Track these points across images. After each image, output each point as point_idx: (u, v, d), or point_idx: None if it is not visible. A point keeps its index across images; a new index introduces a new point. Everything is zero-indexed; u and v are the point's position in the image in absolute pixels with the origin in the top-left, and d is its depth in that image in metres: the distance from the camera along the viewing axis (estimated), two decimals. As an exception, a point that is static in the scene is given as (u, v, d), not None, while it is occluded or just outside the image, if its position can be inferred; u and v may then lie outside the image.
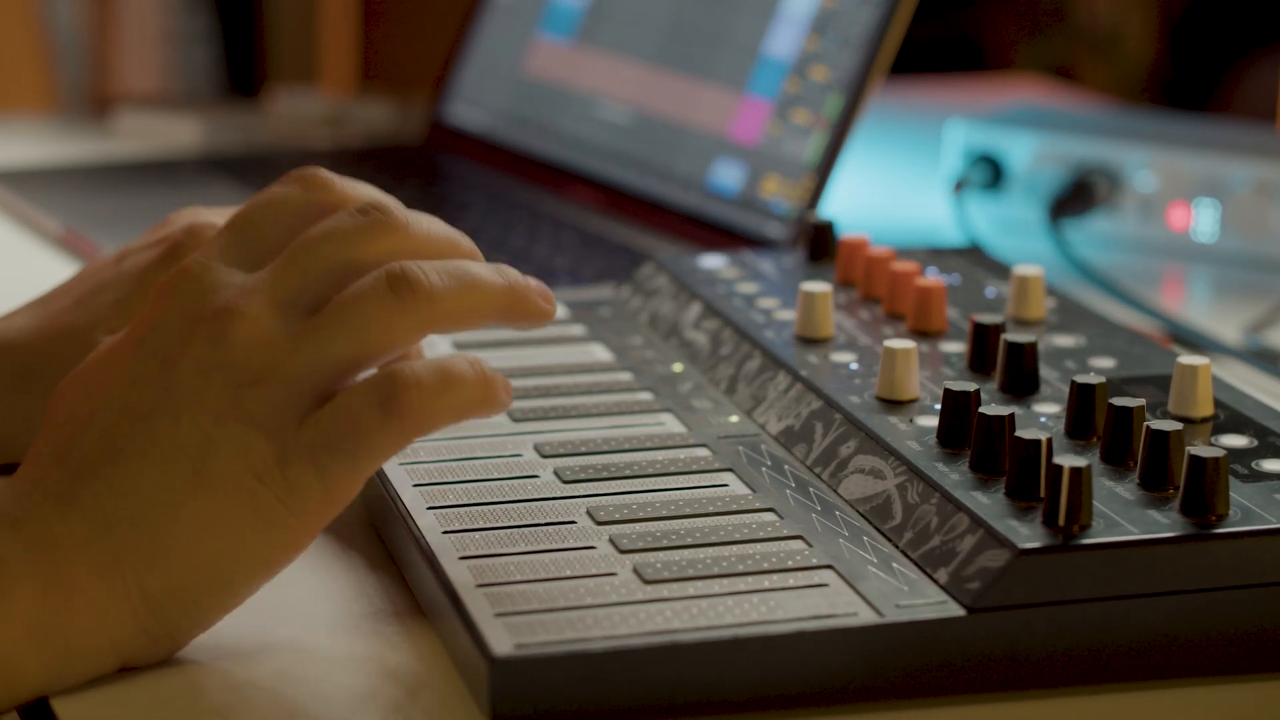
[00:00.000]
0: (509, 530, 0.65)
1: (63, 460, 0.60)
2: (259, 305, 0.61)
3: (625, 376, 0.79)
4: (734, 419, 0.74)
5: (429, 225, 0.64)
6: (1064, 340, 0.78)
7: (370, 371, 0.62)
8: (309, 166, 0.66)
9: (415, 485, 0.69)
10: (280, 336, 0.61)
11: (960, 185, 1.19)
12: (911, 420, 0.70)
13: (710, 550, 0.63)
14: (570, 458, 0.71)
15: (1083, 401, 0.68)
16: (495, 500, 0.67)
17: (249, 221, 0.65)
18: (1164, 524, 0.61)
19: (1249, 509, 0.62)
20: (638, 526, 0.65)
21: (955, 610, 0.59)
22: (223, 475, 0.59)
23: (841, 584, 0.61)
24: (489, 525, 0.65)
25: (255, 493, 0.60)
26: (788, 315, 0.81)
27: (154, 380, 0.61)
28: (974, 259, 0.90)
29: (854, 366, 0.75)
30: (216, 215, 0.77)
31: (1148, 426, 0.64)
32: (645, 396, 0.77)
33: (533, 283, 0.64)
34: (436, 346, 0.80)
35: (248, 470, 0.60)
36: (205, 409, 0.60)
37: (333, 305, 0.61)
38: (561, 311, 0.87)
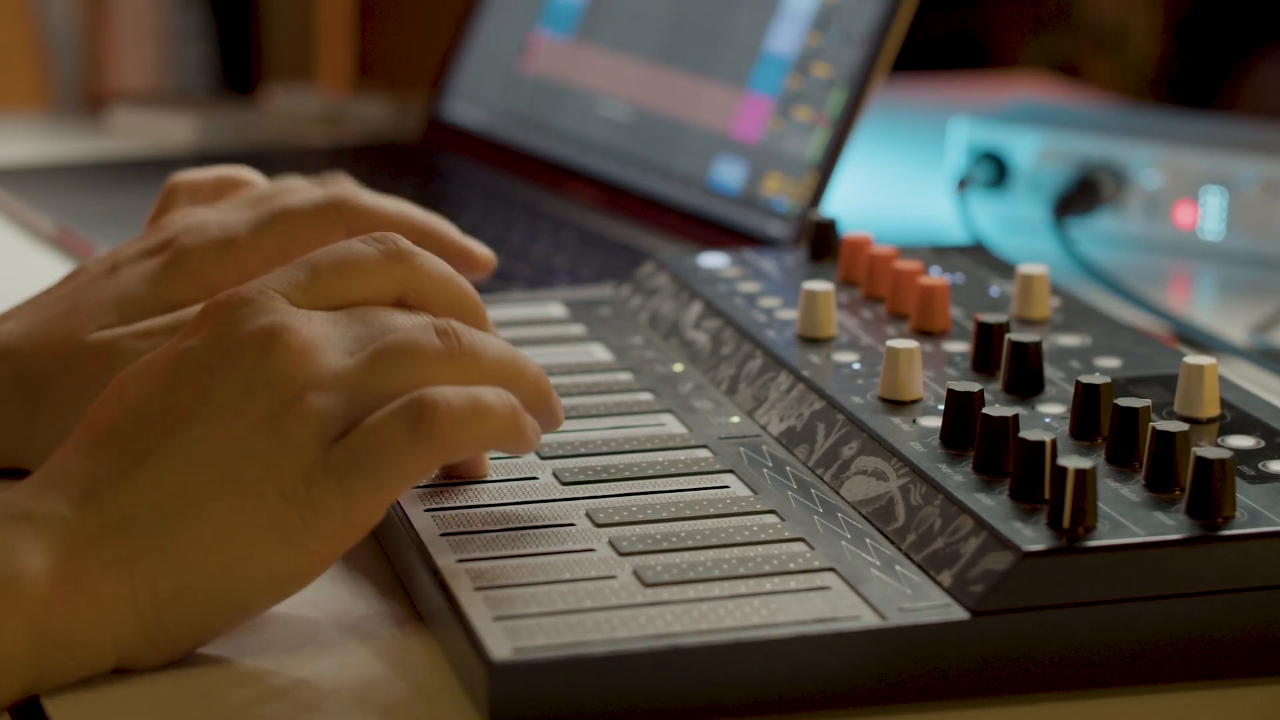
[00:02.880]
0: (507, 532, 0.65)
1: (90, 458, 0.61)
2: (309, 330, 0.62)
3: (625, 377, 0.78)
4: (735, 420, 0.74)
5: (495, 351, 0.64)
6: (1069, 340, 0.78)
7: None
8: (390, 234, 0.67)
9: (413, 487, 0.68)
10: (326, 363, 0.62)
11: (964, 183, 1.19)
12: (914, 421, 0.69)
13: (711, 553, 0.63)
14: (569, 459, 0.70)
15: (1087, 402, 0.67)
16: (493, 502, 0.67)
17: (318, 270, 0.65)
18: (1170, 526, 0.61)
19: (1256, 510, 0.62)
20: (638, 529, 0.65)
21: (959, 613, 0.59)
22: (249, 487, 0.60)
23: (844, 587, 0.61)
24: (487, 527, 0.65)
25: (278, 509, 0.60)
26: (789, 315, 0.81)
27: (194, 388, 0.61)
28: (978, 258, 0.89)
29: (856, 366, 0.75)
30: (209, 212, 0.77)
31: (1153, 427, 0.64)
32: (645, 397, 0.76)
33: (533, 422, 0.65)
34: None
35: (274, 486, 0.60)
36: (241, 419, 0.60)
37: (380, 345, 0.62)
38: (561, 311, 0.86)
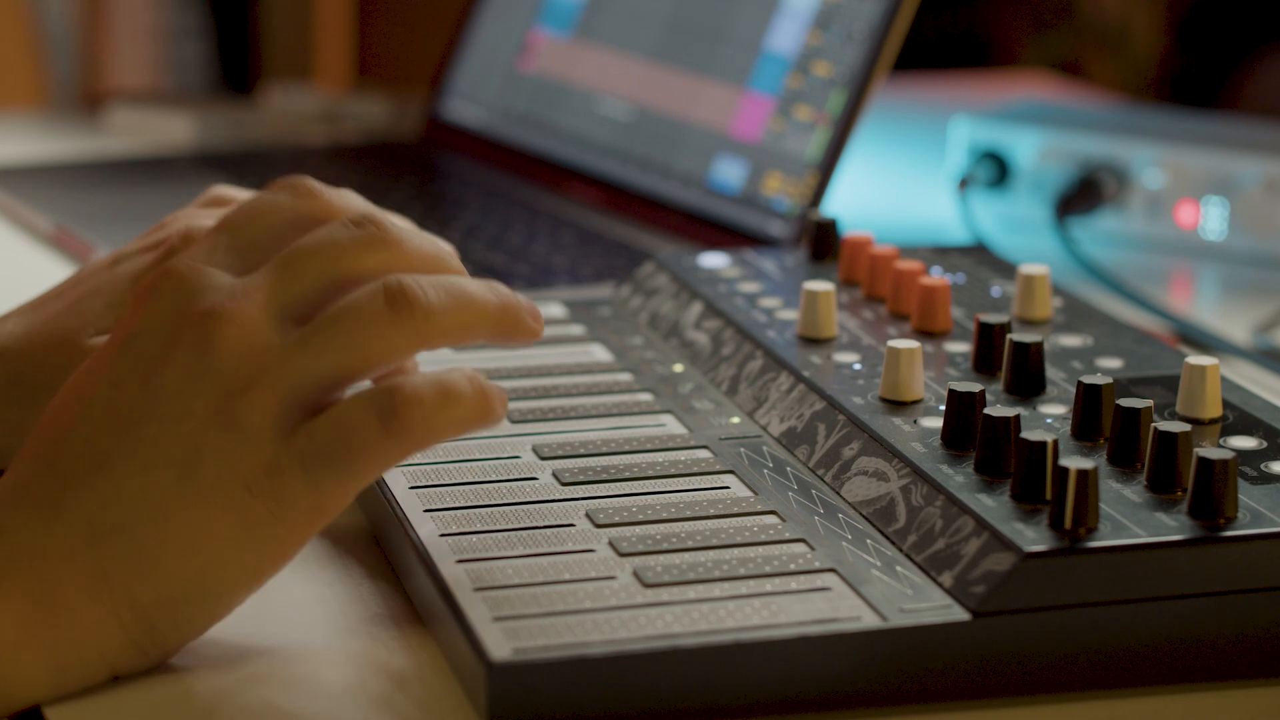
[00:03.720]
0: (507, 533, 0.65)
1: (48, 466, 0.60)
2: (248, 310, 0.60)
3: (625, 377, 0.78)
4: (735, 420, 0.74)
5: (420, 240, 0.63)
6: (1070, 340, 0.78)
7: (362, 385, 0.61)
8: (297, 176, 0.66)
9: (412, 487, 0.68)
10: (271, 344, 0.60)
11: (965, 182, 1.18)
12: (915, 421, 0.69)
13: (711, 553, 0.63)
14: (569, 459, 0.70)
15: (1089, 402, 0.67)
16: (493, 503, 0.67)
17: (237, 226, 0.64)
18: (1172, 527, 0.61)
19: (1258, 511, 0.62)
20: (638, 529, 0.64)
21: (960, 614, 0.59)
22: (211, 486, 0.59)
23: (845, 588, 0.61)
24: (487, 528, 0.65)
25: (244, 504, 0.59)
26: (790, 315, 0.80)
27: (138, 384, 0.60)
28: (979, 257, 0.89)
29: (857, 367, 0.74)
30: (211, 216, 0.77)
31: (1155, 428, 0.63)
32: (645, 397, 0.76)
33: (523, 301, 0.63)
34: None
35: (236, 481, 0.59)
36: (192, 416, 0.59)
37: (327, 315, 0.60)
38: (560, 311, 0.86)
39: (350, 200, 0.66)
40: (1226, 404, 0.70)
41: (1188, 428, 0.63)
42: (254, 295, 0.61)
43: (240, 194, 0.80)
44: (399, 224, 0.64)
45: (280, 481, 0.59)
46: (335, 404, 0.60)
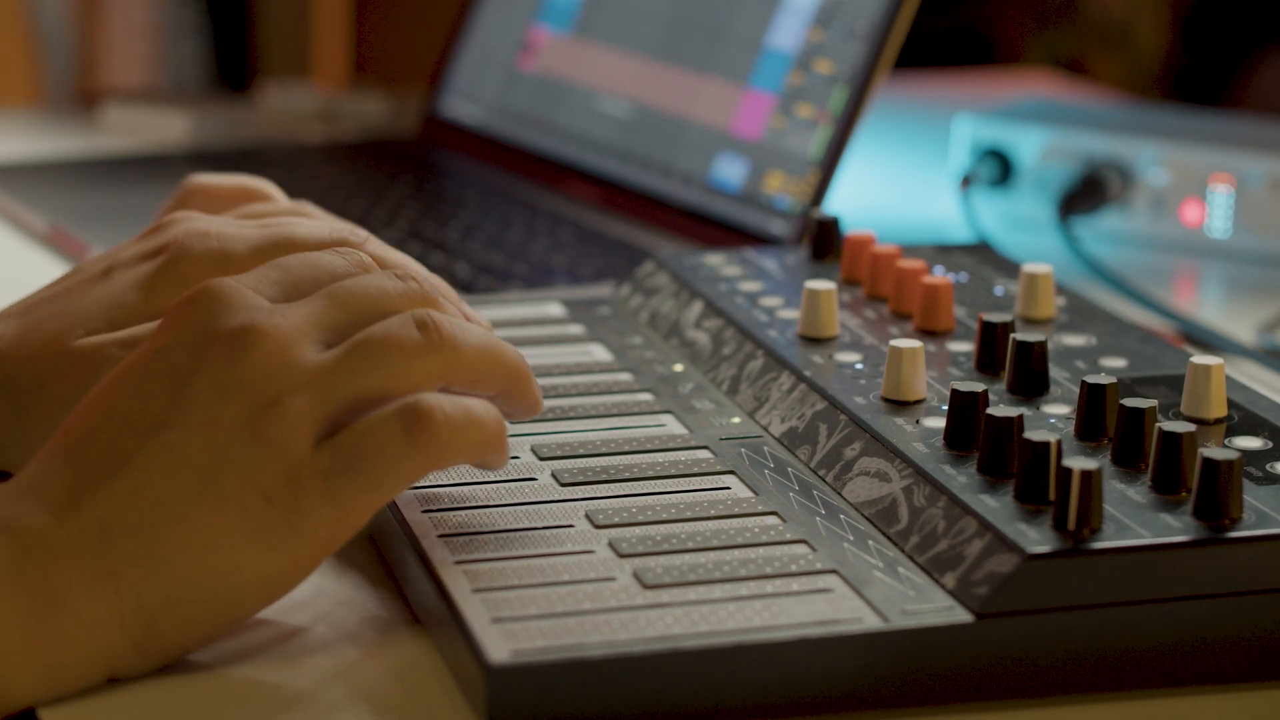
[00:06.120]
0: (506, 534, 0.64)
1: (67, 465, 0.60)
2: (284, 328, 0.61)
3: (625, 377, 0.78)
4: (736, 420, 0.73)
5: (477, 341, 0.64)
6: (1074, 340, 0.78)
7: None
8: (357, 250, 0.67)
9: (410, 488, 0.67)
10: (303, 361, 0.61)
11: (968, 181, 1.18)
12: (918, 421, 0.69)
13: (712, 555, 0.62)
14: (568, 460, 0.70)
15: (1093, 402, 0.67)
16: (492, 503, 0.67)
17: (289, 268, 0.65)
18: (1176, 528, 0.60)
19: (1263, 512, 0.61)
20: (638, 530, 0.64)
21: (963, 616, 0.59)
22: (231, 492, 0.59)
23: (846, 589, 0.60)
24: (485, 529, 0.65)
25: (262, 513, 0.59)
26: (791, 314, 0.80)
27: (167, 392, 0.60)
28: (982, 256, 0.89)
29: (859, 366, 0.74)
30: (211, 222, 0.76)
31: (1160, 428, 0.63)
32: (645, 397, 0.76)
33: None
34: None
35: (256, 489, 0.59)
36: (218, 425, 0.60)
37: (360, 338, 0.62)
38: (560, 311, 0.86)
39: (412, 269, 0.69)
40: (1231, 404, 0.70)
41: (1192, 428, 0.63)
42: (291, 317, 0.62)
43: (218, 179, 0.80)
44: (460, 325, 0.64)
45: (300, 493, 0.59)
46: (358, 421, 0.61)
